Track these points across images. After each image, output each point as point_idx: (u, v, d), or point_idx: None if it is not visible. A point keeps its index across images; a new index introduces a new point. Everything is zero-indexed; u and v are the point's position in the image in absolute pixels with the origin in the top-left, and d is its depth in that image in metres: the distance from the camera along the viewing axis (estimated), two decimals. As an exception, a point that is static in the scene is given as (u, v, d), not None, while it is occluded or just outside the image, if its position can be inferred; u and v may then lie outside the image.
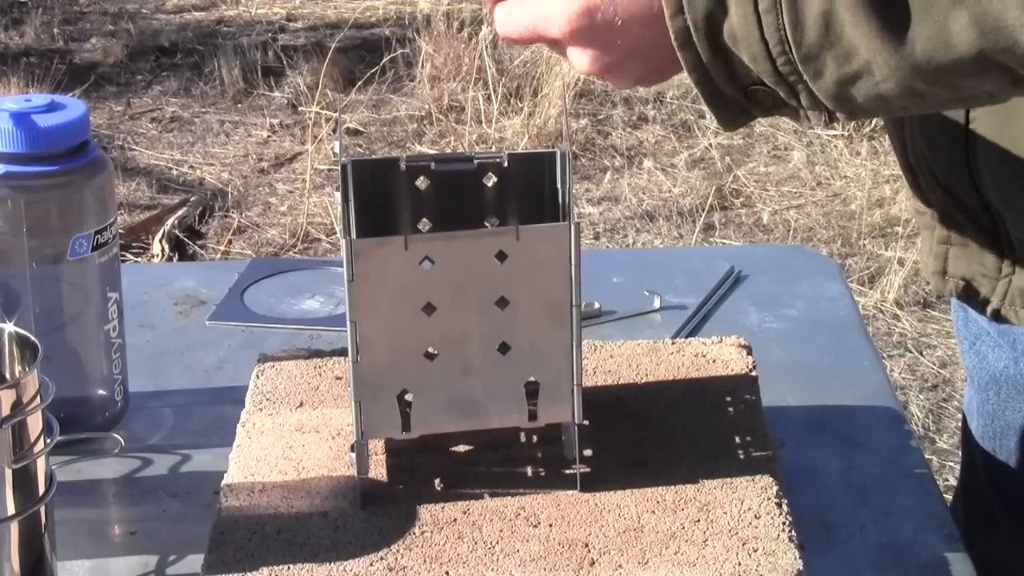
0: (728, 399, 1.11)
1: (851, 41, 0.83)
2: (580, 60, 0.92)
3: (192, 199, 3.99)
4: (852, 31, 0.82)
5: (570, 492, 1.00)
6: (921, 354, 3.24)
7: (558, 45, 0.93)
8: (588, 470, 1.01)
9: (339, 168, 1.03)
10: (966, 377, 1.32)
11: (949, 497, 1.31)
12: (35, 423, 0.91)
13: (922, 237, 1.22)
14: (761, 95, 0.89)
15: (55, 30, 5.21)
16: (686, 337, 1.29)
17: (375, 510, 0.99)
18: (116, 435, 1.15)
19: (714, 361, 1.16)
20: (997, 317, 1.17)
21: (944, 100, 0.88)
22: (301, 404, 1.12)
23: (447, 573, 0.94)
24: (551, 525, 0.97)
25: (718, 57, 0.87)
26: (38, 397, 0.91)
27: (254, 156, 4.30)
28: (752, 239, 3.74)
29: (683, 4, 0.86)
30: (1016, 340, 1.20)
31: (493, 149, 4.08)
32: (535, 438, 1.06)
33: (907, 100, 0.86)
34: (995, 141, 1.09)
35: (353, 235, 1.04)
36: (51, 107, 1.10)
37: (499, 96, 4.35)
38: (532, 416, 1.00)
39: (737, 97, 0.89)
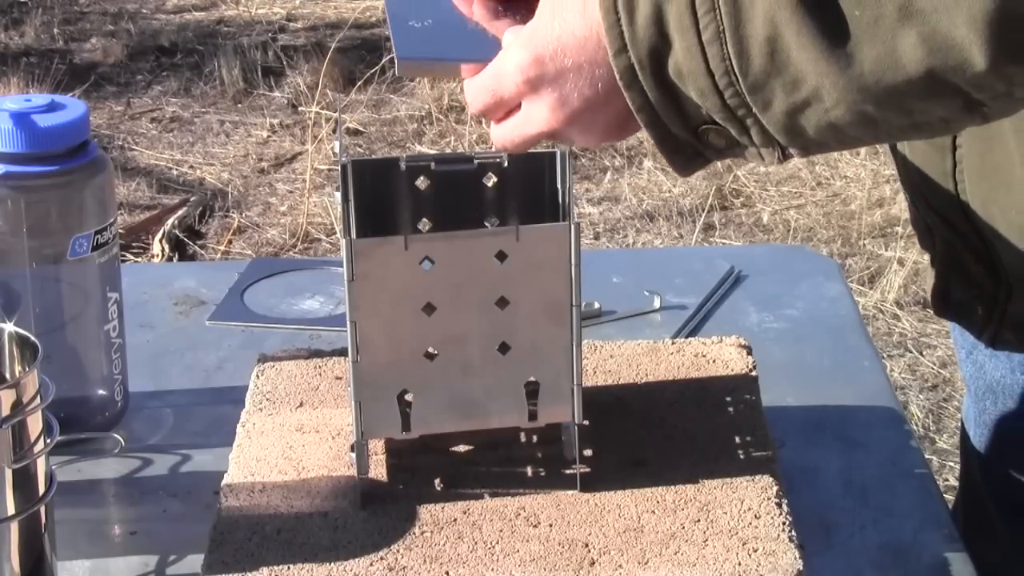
0: (728, 399, 1.11)
1: (798, 66, 0.80)
2: (541, 114, 0.89)
3: (192, 199, 3.99)
4: (799, 55, 0.80)
5: (570, 492, 1.00)
6: (921, 354, 3.24)
7: (518, 110, 0.90)
8: (588, 470, 1.01)
9: (339, 168, 1.03)
10: (965, 386, 1.32)
11: (949, 497, 1.31)
12: (35, 423, 0.91)
13: (928, 259, 1.22)
14: (713, 135, 0.86)
15: (55, 30, 5.21)
16: (686, 337, 1.29)
17: (375, 510, 0.99)
18: (116, 435, 1.15)
19: (714, 361, 1.16)
20: (994, 343, 1.17)
21: (898, 127, 0.84)
22: (301, 404, 1.12)
23: (447, 573, 0.94)
24: (551, 525, 0.97)
25: (666, 95, 0.84)
26: (38, 397, 0.91)
27: (254, 156, 4.30)
28: (752, 239, 3.73)
29: (626, 41, 0.83)
30: (1012, 351, 1.20)
31: (493, 149, 4.07)
32: (535, 438, 1.06)
33: (860, 129, 0.83)
34: (979, 167, 1.09)
35: (353, 235, 1.04)
36: (51, 107, 1.10)
37: (499, 96, 4.34)
38: (532, 416, 1.00)
39: (688, 139, 0.87)
